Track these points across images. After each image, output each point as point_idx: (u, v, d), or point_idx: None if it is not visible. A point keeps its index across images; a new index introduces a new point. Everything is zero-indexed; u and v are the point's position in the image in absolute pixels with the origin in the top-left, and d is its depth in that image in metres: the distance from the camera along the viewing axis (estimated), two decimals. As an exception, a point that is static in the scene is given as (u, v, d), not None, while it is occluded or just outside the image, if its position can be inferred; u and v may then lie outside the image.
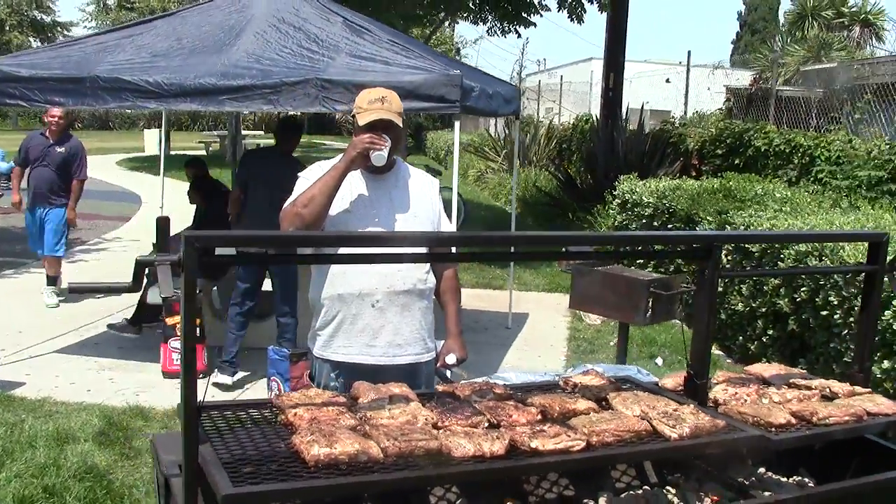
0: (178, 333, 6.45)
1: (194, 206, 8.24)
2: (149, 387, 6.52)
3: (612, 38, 15.72)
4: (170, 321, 6.55)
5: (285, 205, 3.70)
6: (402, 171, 3.90)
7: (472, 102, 6.60)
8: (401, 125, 3.76)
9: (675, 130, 14.99)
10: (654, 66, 21.58)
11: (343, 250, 2.89)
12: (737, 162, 12.64)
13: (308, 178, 3.74)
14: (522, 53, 60.41)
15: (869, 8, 17.15)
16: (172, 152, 29.41)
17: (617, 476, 3.13)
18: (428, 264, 3.83)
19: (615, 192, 11.59)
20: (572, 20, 15.70)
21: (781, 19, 47.79)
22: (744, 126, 12.77)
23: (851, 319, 6.10)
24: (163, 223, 2.19)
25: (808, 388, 3.10)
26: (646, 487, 3.06)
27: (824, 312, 6.44)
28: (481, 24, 17.56)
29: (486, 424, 2.48)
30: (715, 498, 2.99)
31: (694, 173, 13.62)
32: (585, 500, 2.90)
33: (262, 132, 33.93)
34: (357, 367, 3.74)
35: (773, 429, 2.68)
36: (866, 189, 8.74)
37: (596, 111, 21.69)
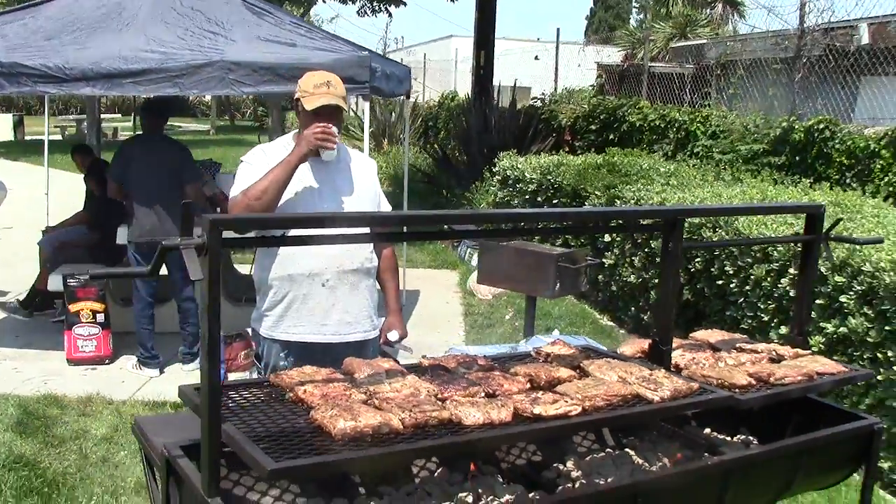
0: (83, 320, 6.23)
1: (85, 192, 8.02)
2: (55, 374, 6.37)
3: (481, 15, 15.84)
4: (73, 308, 6.32)
5: (234, 193, 3.71)
6: (343, 154, 3.91)
7: (377, 83, 6.57)
8: (346, 109, 3.78)
9: (546, 107, 15.29)
10: (521, 43, 21.92)
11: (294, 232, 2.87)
12: (611, 137, 13.00)
13: (251, 164, 3.76)
14: (386, 31, 60.09)
15: (731, -15, 17.89)
16: (27, 137, 28.16)
17: (578, 441, 3.22)
18: (371, 244, 3.86)
19: (495, 169, 11.75)
20: (448, -1, 15.74)
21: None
22: (618, 102, 13.13)
23: (747, 287, 6.39)
24: (188, 208, 2.10)
25: (756, 351, 3.24)
26: (608, 450, 3.15)
27: (720, 282, 6.71)
28: (350, 2, 17.37)
29: (483, 394, 2.50)
30: (679, 456, 3.11)
31: (567, 149, 13.93)
32: (554, 464, 2.98)
33: (119, 115, 32.76)
34: (308, 345, 3.81)
35: (737, 389, 2.80)
36: (745, 162, 9.12)
37: (460, 88, 21.88)
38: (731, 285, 6.59)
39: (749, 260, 6.38)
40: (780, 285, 6.05)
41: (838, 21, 9.69)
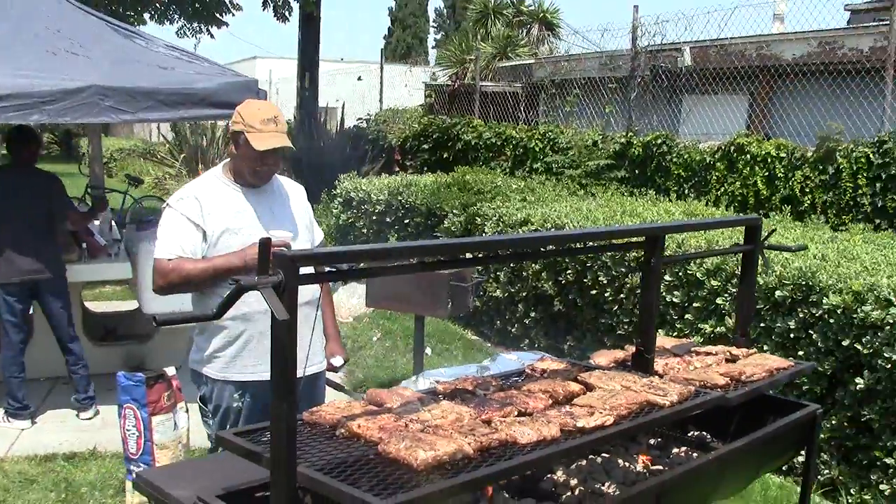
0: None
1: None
2: None
3: (305, 36, 15.89)
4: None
5: (161, 255, 3.65)
6: (275, 182, 3.92)
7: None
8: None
9: (373, 127, 15.47)
10: (342, 64, 22.04)
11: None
12: (446, 156, 13.33)
13: (183, 215, 3.67)
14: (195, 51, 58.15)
15: (546, 6, 18.65)
16: None
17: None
18: None
19: (335, 192, 11.81)
20: (278, 19, 15.65)
21: (431, 15, 50.37)
22: (451, 121, 13.49)
23: (622, 296, 6.82)
24: (266, 244, 2.12)
25: (714, 353, 3.56)
26: (591, 456, 3.37)
27: (594, 292, 7.13)
28: (168, 23, 16.90)
29: (516, 413, 2.65)
30: (648, 459, 3.38)
31: (398, 169, 14.17)
32: (546, 476, 3.16)
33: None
34: (266, 383, 3.72)
35: (719, 389, 3.09)
36: (590, 176, 9.65)
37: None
38: (606, 294, 7.01)
39: (623, 269, 6.82)
40: (655, 292, 6.50)
41: (666, 44, 10.44)
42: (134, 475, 4.43)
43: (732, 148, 8.61)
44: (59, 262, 6.13)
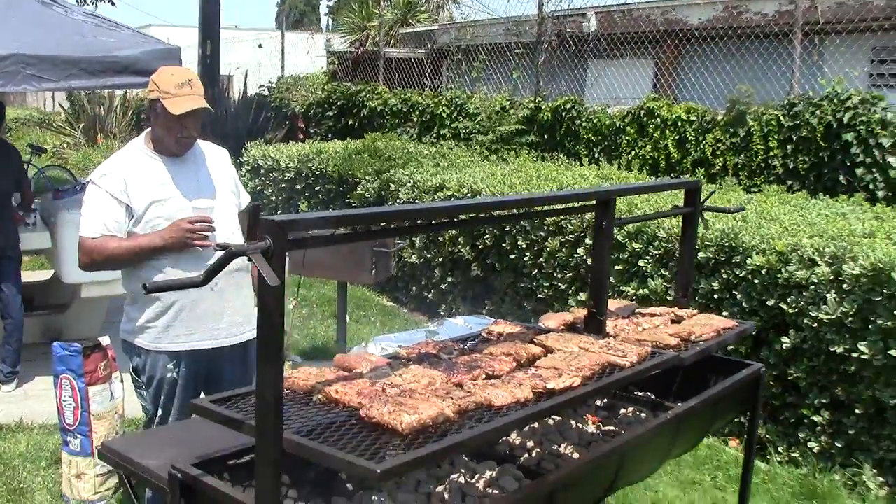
0: None
1: None
2: None
3: (206, 4, 15.34)
4: None
5: (86, 233, 3.59)
6: (197, 148, 3.84)
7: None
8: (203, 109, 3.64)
9: (276, 95, 15.14)
10: (238, 32, 21.42)
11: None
12: (351, 123, 13.12)
13: (107, 192, 3.58)
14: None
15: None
16: None
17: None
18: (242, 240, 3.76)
19: (242, 160, 11.53)
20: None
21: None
22: (356, 88, 13.26)
23: (541, 260, 6.78)
24: (255, 210, 1.97)
25: (659, 314, 3.51)
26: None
27: (512, 256, 7.07)
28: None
29: (484, 376, 2.55)
30: (597, 420, 3.33)
31: (301, 136, 13.91)
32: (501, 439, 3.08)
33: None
34: (200, 352, 3.72)
35: (671, 349, 3.04)
36: (502, 142, 9.58)
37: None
38: (525, 258, 6.96)
39: (542, 233, 6.77)
40: (575, 255, 6.49)
41: (572, 9, 10.41)
42: (70, 446, 4.28)
43: (642, 112, 8.64)
44: (16, 232, 6.05)
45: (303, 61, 16.71)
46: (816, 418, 5.01)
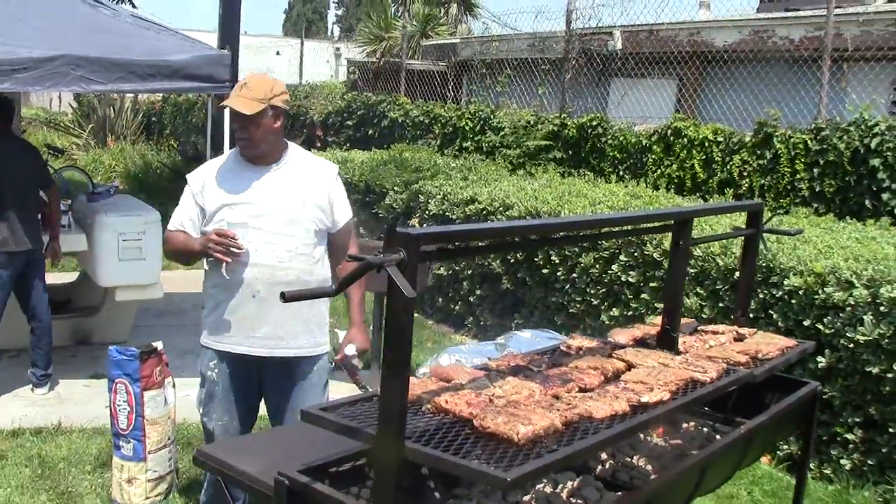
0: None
1: None
2: None
3: (226, 10, 15.51)
4: None
5: (169, 225, 3.87)
6: (291, 158, 3.87)
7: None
8: (261, 113, 3.67)
9: (294, 103, 15.30)
10: (247, 38, 21.54)
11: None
12: (371, 133, 13.27)
13: (188, 187, 3.83)
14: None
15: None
16: None
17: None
18: (319, 256, 3.85)
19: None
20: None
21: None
22: (376, 98, 13.42)
23: (574, 275, 6.95)
24: (392, 225, 2.11)
25: (721, 332, 3.67)
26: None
27: (545, 271, 7.23)
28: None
29: (577, 389, 2.70)
30: (662, 432, 3.48)
31: (319, 145, 14.06)
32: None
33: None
34: (239, 357, 3.80)
35: (741, 367, 3.20)
36: (528, 157, 9.76)
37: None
38: (558, 273, 7.12)
39: (576, 249, 6.94)
40: (609, 272, 6.65)
41: (597, 27, 10.61)
42: (123, 450, 4.37)
43: (669, 131, 8.81)
44: (40, 232, 6.07)
45: (322, 70, 16.87)
46: (850, 436, 5.17)
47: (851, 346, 5.05)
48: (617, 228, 3.39)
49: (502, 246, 3.24)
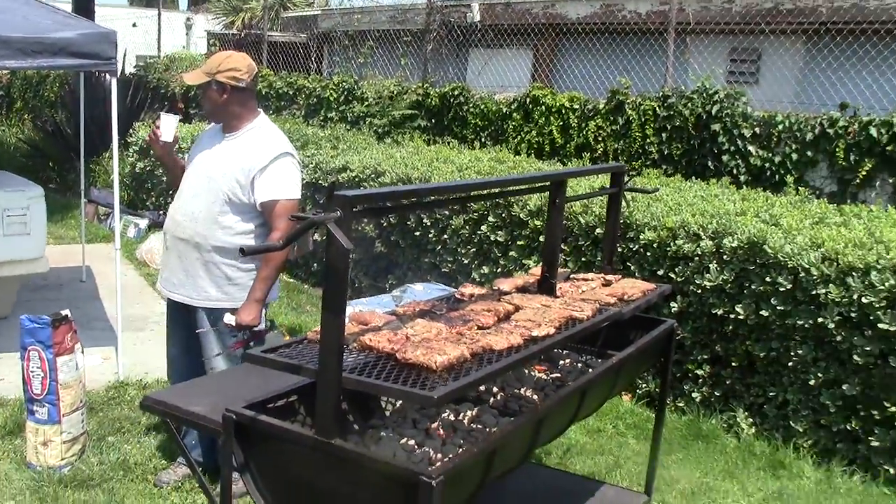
0: None
1: None
2: None
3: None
4: None
5: None
6: (248, 133, 4.24)
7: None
8: (204, 85, 4.08)
9: (154, 76, 15.11)
10: (107, 10, 20.97)
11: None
12: (233, 104, 13.25)
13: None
14: None
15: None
16: None
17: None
18: (230, 224, 4.15)
19: (129, 140, 11.59)
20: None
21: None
22: (238, 70, 13.41)
23: (445, 237, 7.35)
24: (331, 188, 2.42)
25: (591, 279, 4.13)
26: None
27: (417, 233, 7.60)
28: None
29: (477, 327, 3.08)
30: (541, 369, 3.92)
31: (181, 118, 13.94)
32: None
33: None
34: (171, 303, 4.42)
35: (611, 307, 3.66)
36: (395, 126, 10.09)
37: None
38: (430, 235, 7.51)
39: (446, 212, 7.34)
40: (478, 232, 7.08)
41: (457, 1, 11.00)
42: (37, 415, 4.50)
43: (528, 100, 9.31)
44: None
45: (178, 40, 16.64)
46: (699, 372, 5.78)
47: (699, 291, 5.64)
48: (511, 188, 3.76)
49: (424, 205, 3.57)
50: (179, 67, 14.93)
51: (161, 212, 10.94)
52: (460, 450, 2.78)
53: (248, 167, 4.08)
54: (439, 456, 2.81)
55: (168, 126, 4.33)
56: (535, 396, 3.53)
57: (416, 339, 2.80)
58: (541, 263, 3.87)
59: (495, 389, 3.61)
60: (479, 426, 3.21)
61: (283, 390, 2.92)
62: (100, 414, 5.20)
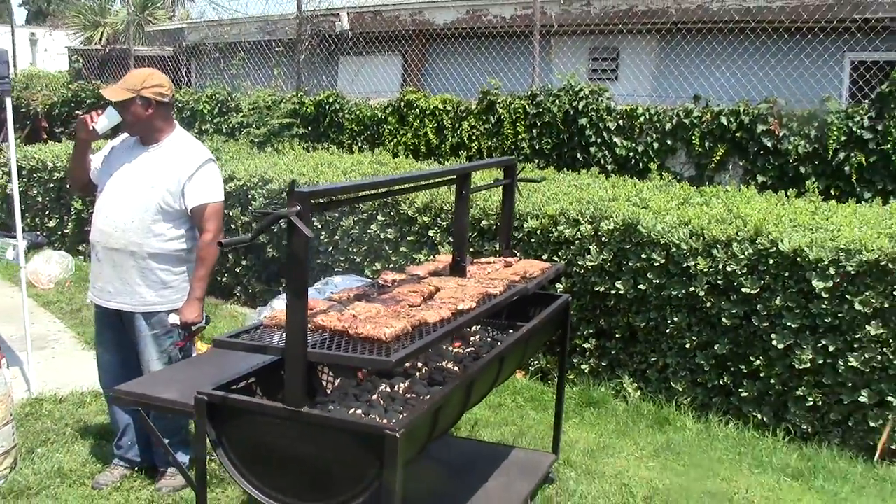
0: None
1: None
2: None
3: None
4: None
5: None
6: (169, 144, 4.47)
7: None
8: (129, 101, 4.30)
9: (13, 93, 14.76)
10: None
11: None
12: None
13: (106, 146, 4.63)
14: None
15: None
16: None
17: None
18: (162, 231, 4.38)
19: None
20: None
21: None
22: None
23: (336, 237, 7.65)
24: (292, 185, 2.73)
25: (494, 262, 4.54)
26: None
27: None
28: None
29: (408, 305, 3.45)
30: (457, 344, 4.32)
31: (45, 136, 13.75)
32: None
33: None
34: (94, 304, 4.61)
35: (517, 284, 4.10)
36: (274, 135, 10.30)
37: None
38: (322, 237, 7.80)
39: (336, 214, 7.65)
40: (368, 231, 7.43)
41: (326, 10, 11.30)
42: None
43: (402, 103, 9.71)
44: None
45: (40, 58, 16.29)
46: (586, 345, 6.30)
47: (582, 272, 6.16)
48: (439, 179, 4.14)
49: (374, 196, 3.91)
50: (38, 86, 14.66)
51: (38, 232, 10.82)
52: (401, 416, 3.14)
53: (177, 176, 4.34)
54: (385, 421, 3.16)
55: (107, 120, 4.38)
56: (456, 368, 3.93)
57: (363, 318, 3.15)
58: (451, 249, 4.26)
59: (420, 364, 3.99)
60: (413, 395, 3.58)
61: (243, 373, 3.22)
62: (21, 429, 5.30)
